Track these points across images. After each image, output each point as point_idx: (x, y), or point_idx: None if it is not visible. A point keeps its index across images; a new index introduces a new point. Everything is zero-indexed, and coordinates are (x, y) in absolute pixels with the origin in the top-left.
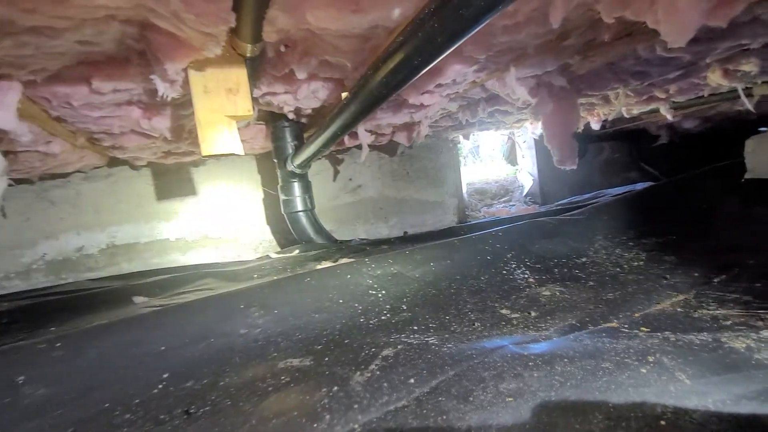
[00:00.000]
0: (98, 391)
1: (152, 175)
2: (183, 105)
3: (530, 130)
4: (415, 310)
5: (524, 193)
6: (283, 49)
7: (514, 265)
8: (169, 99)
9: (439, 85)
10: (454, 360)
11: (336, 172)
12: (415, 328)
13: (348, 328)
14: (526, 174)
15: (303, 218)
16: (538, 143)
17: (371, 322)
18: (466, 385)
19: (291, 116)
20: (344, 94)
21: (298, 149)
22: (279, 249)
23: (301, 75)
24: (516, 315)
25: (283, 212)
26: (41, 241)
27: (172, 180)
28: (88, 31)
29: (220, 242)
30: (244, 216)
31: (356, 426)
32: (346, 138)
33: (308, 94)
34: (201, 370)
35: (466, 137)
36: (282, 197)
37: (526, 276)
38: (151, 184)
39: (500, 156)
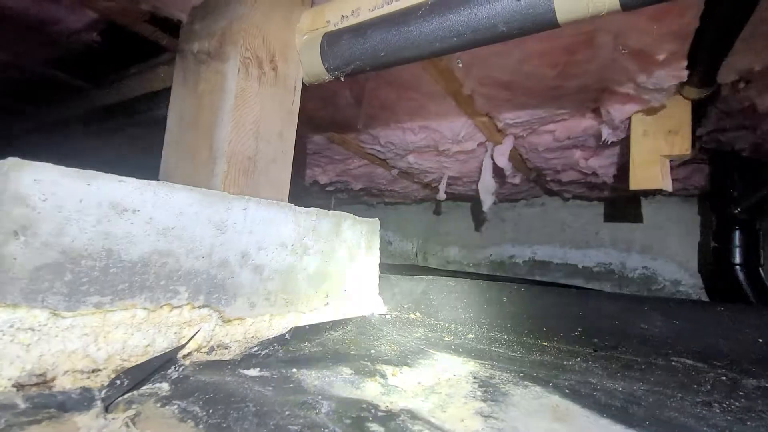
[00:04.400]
0: (549, 319)
1: (577, 207)
2: (617, 146)
3: None
4: None
5: None
6: (742, 85)
7: None
8: (608, 143)
9: None
10: None
11: None
12: None
13: (761, 364)
14: None
15: (740, 273)
16: None
17: None
18: None
19: (745, 153)
20: None
21: (749, 190)
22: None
23: (765, 107)
24: None
25: (712, 261)
26: (490, 246)
27: (592, 213)
28: (564, 100)
29: (624, 279)
30: (657, 259)
31: (736, 402)
32: None
33: None
34: (606, 334)
35: None
36: (713, 244)
37: None
38: (575, 214)
39: None
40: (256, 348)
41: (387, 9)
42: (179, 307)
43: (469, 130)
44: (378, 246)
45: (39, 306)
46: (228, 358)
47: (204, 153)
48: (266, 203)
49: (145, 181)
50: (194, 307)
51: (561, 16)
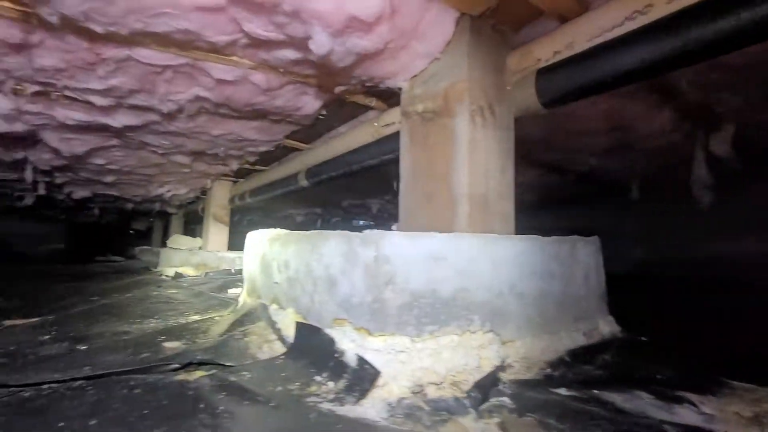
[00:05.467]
0: None
1: None
2: None
3: None
4: None
5: None
6: None
7: None
8: None
9: None
10: None
11: None
12: None
13: None
14: None
15: None
16: None
17: None
18: None
19: None
20: None
21: None
22: None
23: None
24: None
25: None
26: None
27: None
28: None
29: None
30: None
31: None
32: None
33: None
34: None
35: None
36: None
37: None
38: None
39: None
40: (548, 369)
41: (607, 36)
42: (475, 332)
43: (673, 121)
44: (602, 263)
45: (403, 334)
46: (525, 377)
47: (442, 196)
48: (518, 238)
49: (446, 234)
50: (484, 332)
51: None
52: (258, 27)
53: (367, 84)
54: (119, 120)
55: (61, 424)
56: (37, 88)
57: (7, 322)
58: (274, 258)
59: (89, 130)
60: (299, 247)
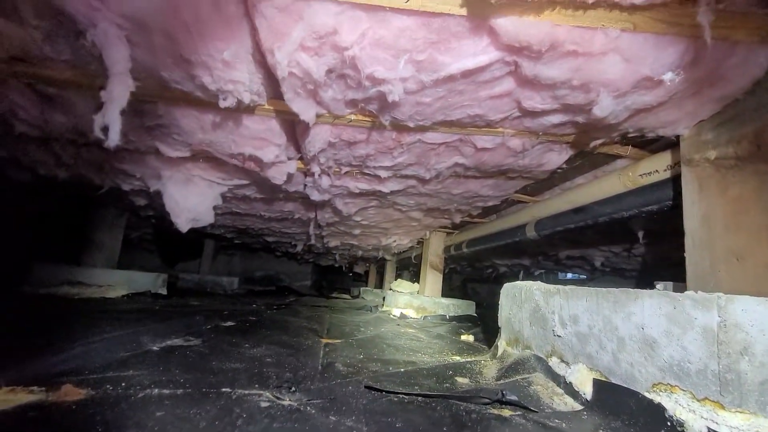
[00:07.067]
0: None
1: None
2: None
3: None
4: None
5: None
6: None
7: None
8: None
9: None
10: None
11: None
12: None
13: None
14: None
15: None
16: None
17: None
18: None
19: None
20: None
21: None
22: None
23: None
24: None
25: None
26: None
27: None
28: None
29: None
30: None
31: None
32: None
33: None
34: None
35: None
36: None
37: None
38: None
39: None
40: None
41: None
42: None
43: None
44: None
45: (767, 416)
46: None
47: (761, 255)
48: None
49: None
50: None
51: None
52: (536, 102)
53: (630, 134)
54: (389, 187)
55: None
56: (347, 169)
57: (323, 340)
58: (552, 311)
59: (364, 195)
60: (593, 302)
